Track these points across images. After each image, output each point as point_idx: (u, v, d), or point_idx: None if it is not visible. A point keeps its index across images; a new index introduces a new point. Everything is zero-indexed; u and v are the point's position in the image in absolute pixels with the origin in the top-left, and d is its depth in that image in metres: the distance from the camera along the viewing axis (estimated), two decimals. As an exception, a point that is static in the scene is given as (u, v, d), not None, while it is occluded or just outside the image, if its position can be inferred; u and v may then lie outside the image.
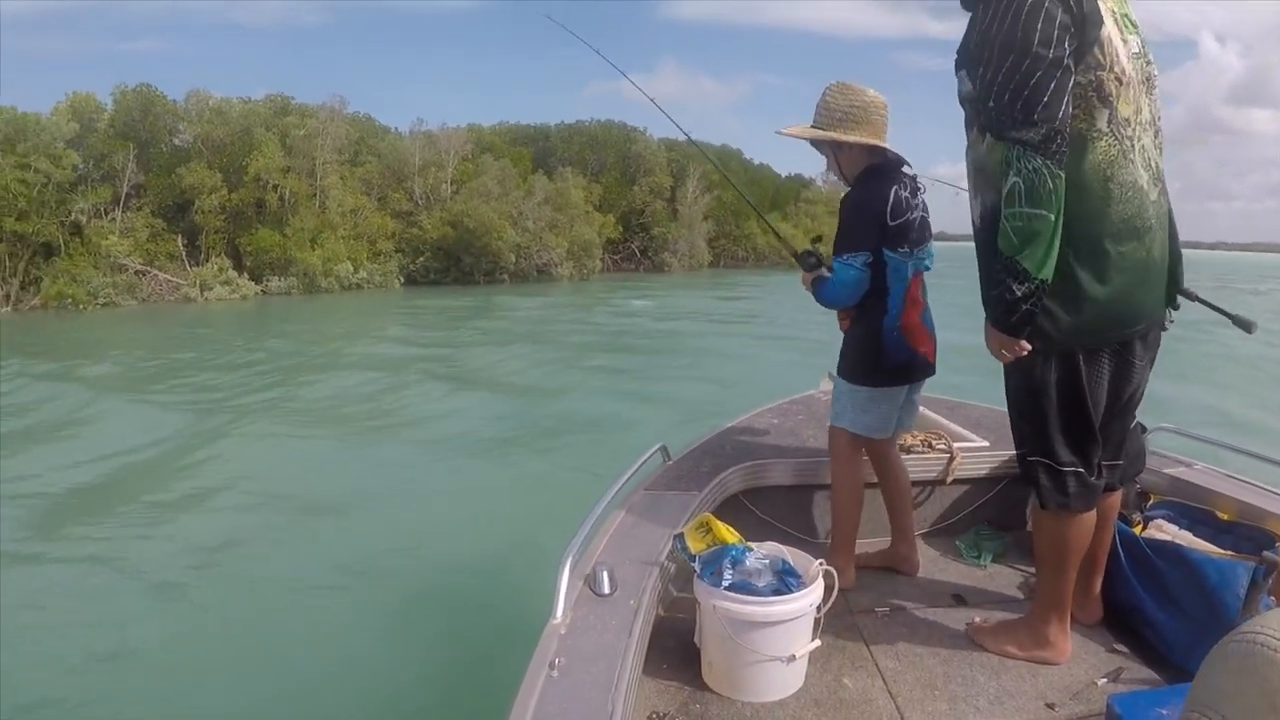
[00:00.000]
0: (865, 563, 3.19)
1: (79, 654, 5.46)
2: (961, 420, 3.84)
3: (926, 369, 3.04)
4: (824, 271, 2.96)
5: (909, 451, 3.46)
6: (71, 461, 9.91)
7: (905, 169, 2.97)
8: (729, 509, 3.17)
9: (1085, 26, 2.01)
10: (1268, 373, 16.64)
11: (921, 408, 3.74)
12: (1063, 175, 2.05)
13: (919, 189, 2.99)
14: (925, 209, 2.98)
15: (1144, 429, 2.92)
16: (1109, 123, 2.08)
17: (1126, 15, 2.15)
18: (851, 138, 2.88)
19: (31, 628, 5.77)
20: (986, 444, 3.55)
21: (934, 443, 3.54)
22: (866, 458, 3.18)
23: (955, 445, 3.51)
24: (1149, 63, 2.17)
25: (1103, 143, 2.09)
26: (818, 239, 3.15)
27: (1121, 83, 2.07)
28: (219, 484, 9.21)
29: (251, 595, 6.38)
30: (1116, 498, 2.65)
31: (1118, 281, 2.14)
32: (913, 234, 2.90)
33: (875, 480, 3.24)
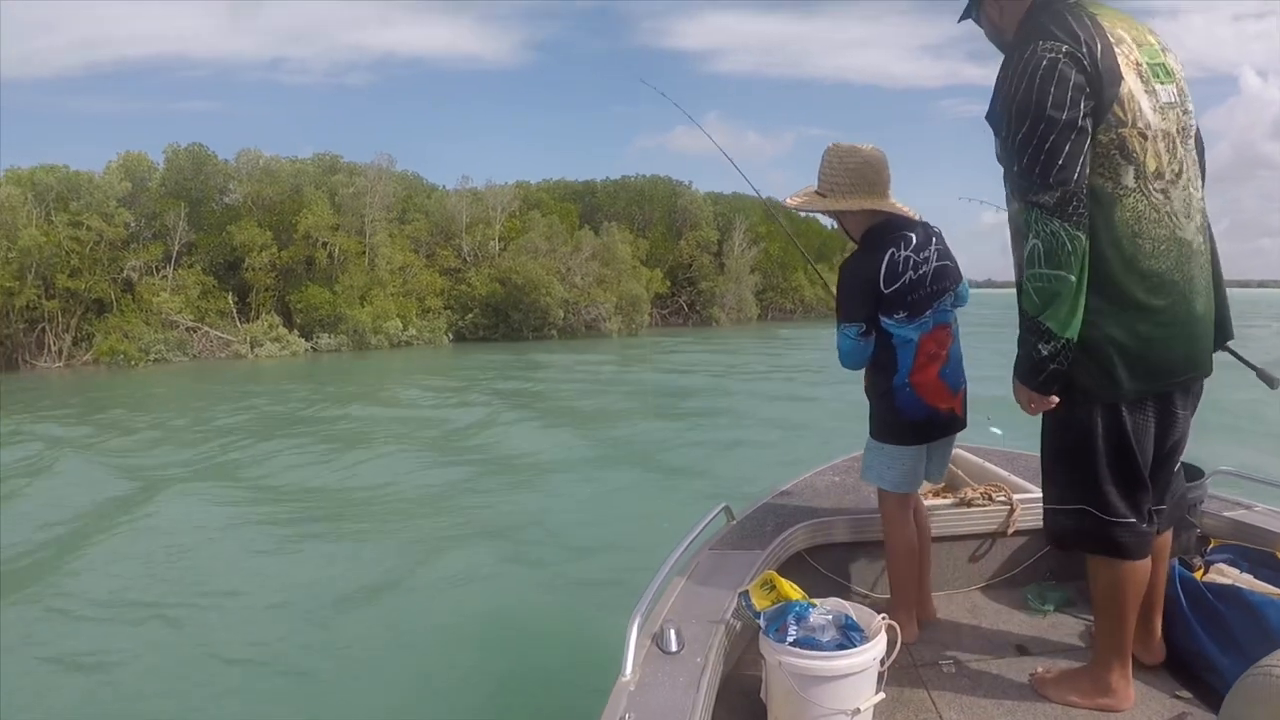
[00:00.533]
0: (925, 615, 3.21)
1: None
2: (1020, 471, 3.80)
3: (950, 425, 2.99)
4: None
5: (969, 505, 3.46)
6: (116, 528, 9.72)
7: (909, 227, 2.88)
8: (793, 567, 3.23)
9: (1102, 85, 2.03)
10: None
11: (980, 460, 3.92)
12: (1083, 236, 2.06)
13: (931, 239, 2.90)
14: (941, 258, 2.89)
15: (1202, 473, 3.10)
16: (1135, 178, 2.08)
17: (1160, 65, 2.15)
18: (842, 205, 2.88)
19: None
20: None
21: (994, 495, 3.53)
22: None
23: (1015, 497, 3.49)
24: (1185, 112, 2.16)
25: (1130, 199, 2.09)
26: None
27: (1146, 138, 2.07)
28: (284, 545, 9.03)
29: (326, 658, 6.23)
30: (1167, 537, 2.62)
31: (1156, 335, 2.14)
32: (916, 294, 2.82)
33: (936, 535, 3.29)
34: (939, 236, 2.95)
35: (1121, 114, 2.04)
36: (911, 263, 2.83)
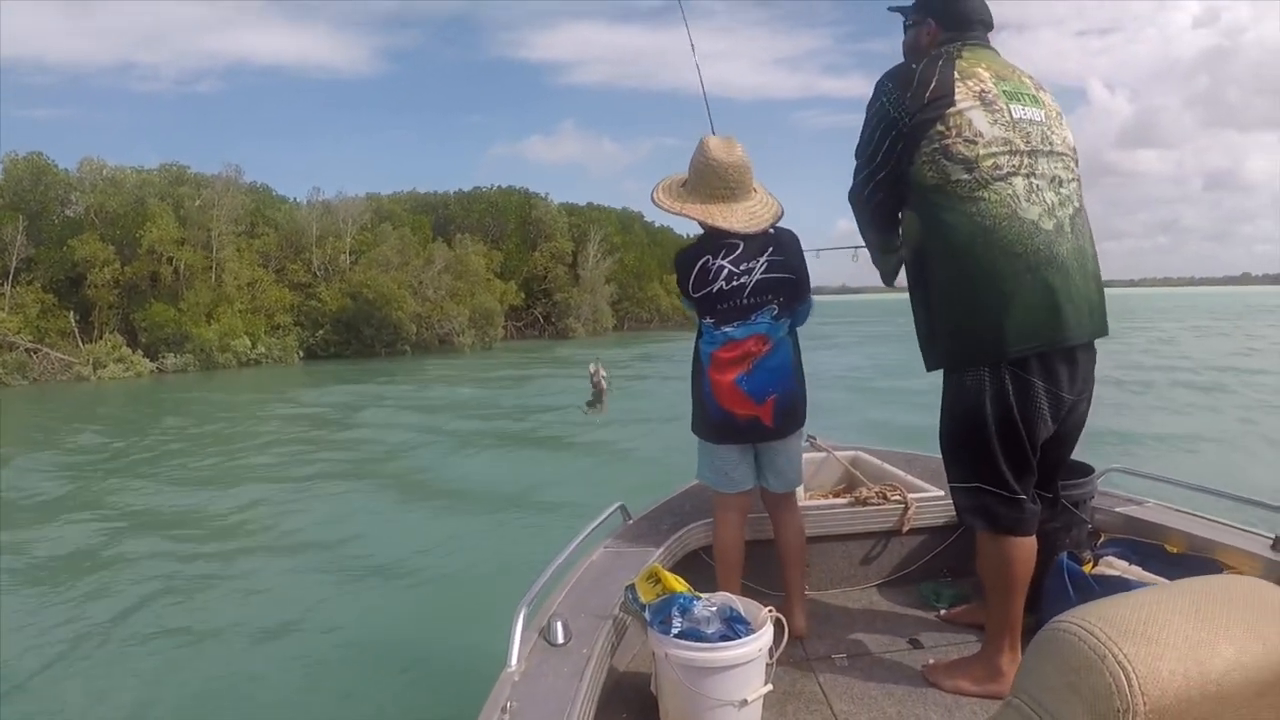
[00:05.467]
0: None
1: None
2: (918, 472, 3.97)
3: (753, 433, 3.03)
4: None
5: (865, 504, 3.62)
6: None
7: (739, 236, 2.94)
8: (690, 564, 3.29)
9: (914, 115, 2.50)
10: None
11: (879, 460, 4.13)
12: (871, 223, 2.79)
13: (766, 250, 2.97)
14: (776, 269, 2.97)
15: (1092, 470, 3.29)
16: (968, 173, 2.45)
17: (1025, 94, 2.57)
18: (667, 206, 3.01)
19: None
20: (941, 493, 3.58)
21: (889, 494, 3.67)
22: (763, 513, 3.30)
23: (910, 496, 3.65)
24: (1048, 130, 2.56)
25: (964, 189, 2.46)
26: None
27: (976, 143, 2.44)
28: (151, 553, 9.76)
29: (200, 660, 6.75)
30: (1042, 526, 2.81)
31: (1013, 302, 2.43)
32: (726, 303, 2.94)
33: (831, 533, 3.59)
34: (783, 248, 3.00)
35: (944, 129, 2.44)
36: (726, 273, 2.92)
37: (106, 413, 26.02)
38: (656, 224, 76.32)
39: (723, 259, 2.94)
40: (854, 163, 2.73)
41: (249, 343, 42.88)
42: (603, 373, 3.85)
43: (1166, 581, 2.77)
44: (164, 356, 40.25)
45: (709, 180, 2.95)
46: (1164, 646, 0.93)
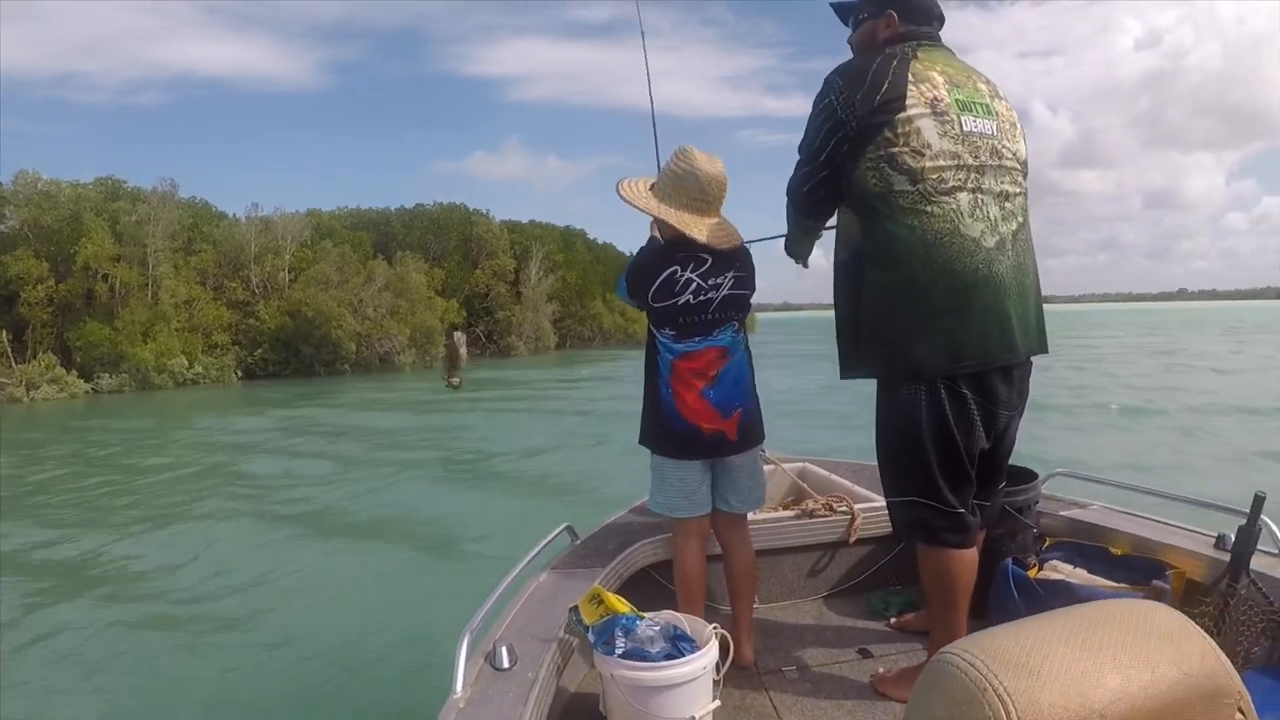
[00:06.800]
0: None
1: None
2: (865, 482, 3.94)
3: (718, 447, 2.99)
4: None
5: (812, 516, 3.64)
6: None
7: (708, 250, 2.92)
8: (638, 583, 3.29)
9: (863, 118, 2.45)
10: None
11: (826, 472, 4.15)
12: (803, 218, 2.85)
13: (732, 268, 2.97)
14: (739, 286, 2.98)
15: (1036, 475, 3.35)
16: (913, 184, 2.42)
17: (979, 104, 2.54)
18: (643, 206, 2.96)
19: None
20: None
21: (835, 505, 3.68)
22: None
23: (857, 506, 3.66)
24: (999, 143, 2.54)
25: (907, 200, 2.45)
26: None
27: (923, 155, 2.41)
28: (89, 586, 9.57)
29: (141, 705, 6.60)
30: (981, 533, 2.82)
31: (949, 318, 2.44)
32: (685, 318, 2.91)
33: (780, 546, 3.60)
34: (745, 265, 3.02)
35: (892, 136, 2.41)
36: (694, 286, 2.89)
37: (36, 438, 25.05)
38: (599, 241, 77.38)
39: (691, 272, 2.91)
40: (793, 172, 2.74)
41: (186, 362, 42.83)
42: (462, 337, 3.47)
43: (1111, 584, 2.86)
44: (99, 377, 40.09)
45: (687, 189, 2.92)
46: (1046, 678, 0.93)
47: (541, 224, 77.25)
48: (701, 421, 2.93)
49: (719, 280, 2.93)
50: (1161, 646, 1.01)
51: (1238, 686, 1.02)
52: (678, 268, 2.89)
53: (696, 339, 2.92)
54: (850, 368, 2.71)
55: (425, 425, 24.41)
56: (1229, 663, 1.03)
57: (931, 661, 1.01)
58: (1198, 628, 1.06)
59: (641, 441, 3.10)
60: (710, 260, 2.92)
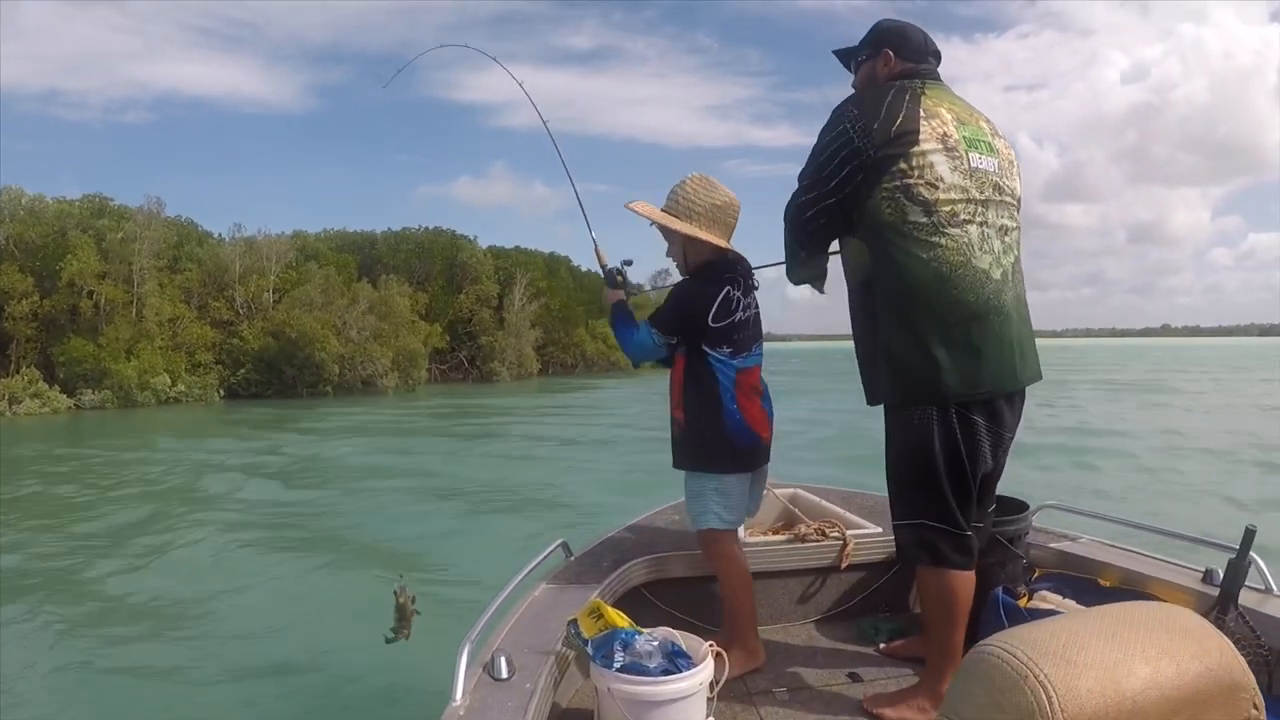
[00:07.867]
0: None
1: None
2: (856, 509, 4.04)
3: (767, 453, 3.19)
4: (622, 295, 3.30)
5: (804, 540, 3.68)
6: None
7: (745, 273, 3.15)
8: (631, 601, 3.32)
9: (880, 149, 2.51)
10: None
11: (817, 498, 4.20)
12: (797, 246, 2.89)
13: (754, 287, 3.19)
14: (757, 306, 3.19)
15: (1027, 506, 3.37)
16: (927, 215, 2.50)
17: (983, 142, 2.63)
18: (705, 235, 3.04)
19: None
20: (879, 530, 3.70)
21: (828, 531, 3.72)
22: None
23: (848, 533, 3.69)
24: (1001, 179, 2.64)
25: (922, 233, 2.51)
26: (629, 262, 3.43)
27: (937, 188, 2.48)
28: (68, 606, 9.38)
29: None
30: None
31: (962, 349, 2.51)
32: (739, 334, 3.06)
33: (771, 570, 3.60)
34: (757, 289, 3.26)
35: (907, 168, 2.48)
36: (742, 304, 3.07)
37: (19, 455, 24.57)
38: (584, 269, 77.96)
39: (739, 291, 3.07)
40: (792, 197, 2.78)
41: (169, 380, 43.03)
42: (409, 593, 3.25)
43: None
44: (82, 393, 40.29)
45: (726, 218, 3.08)
46: (1082, 667, 0.97)
47: (526, 250, 77.97)
48: (762, 431, 3.12)
49: (751, 300, 3.16)
50: (1185, 643, 1.07)
51: (1252, 683, 1.10)
52: (730, 288, 3.04)
53: (746, 354, 3.08)
54: (874, 396, 2.79)
55: (408, 449, 24.46)
56: (1244, 661, 1.11)
57: (971, 653, 1.08)
58: (1215, 628, 1.14)
59: (694, 466, 3.15)
60: (744, 280, 3.14)
